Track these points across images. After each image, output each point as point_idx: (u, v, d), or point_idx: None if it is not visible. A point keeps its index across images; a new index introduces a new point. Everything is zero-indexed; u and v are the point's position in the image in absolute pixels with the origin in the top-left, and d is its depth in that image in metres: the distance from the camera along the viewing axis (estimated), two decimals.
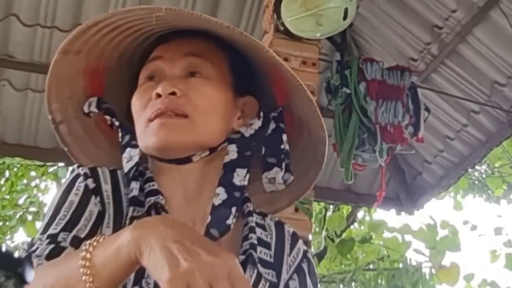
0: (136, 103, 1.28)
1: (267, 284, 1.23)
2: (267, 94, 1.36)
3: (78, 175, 1.24)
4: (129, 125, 1.31)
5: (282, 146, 1.28)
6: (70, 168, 1.30)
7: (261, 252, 1.26)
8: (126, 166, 1.27)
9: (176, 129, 1.21)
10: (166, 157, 1.25)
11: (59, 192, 1.24)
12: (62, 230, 1.16)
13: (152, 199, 1.22)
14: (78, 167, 1.27)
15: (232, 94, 1.30)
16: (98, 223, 1.19)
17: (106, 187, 1.24)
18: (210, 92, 1.26)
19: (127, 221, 1.19)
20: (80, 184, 1.23)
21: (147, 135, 1.23)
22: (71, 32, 1.28)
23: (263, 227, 1.32)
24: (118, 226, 1.19)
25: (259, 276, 1.22)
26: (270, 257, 1.28)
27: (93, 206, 1.20)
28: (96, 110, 1.34)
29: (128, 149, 1.29)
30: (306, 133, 1.36)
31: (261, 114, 1.31)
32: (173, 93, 1.22)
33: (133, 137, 1.29)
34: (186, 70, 1.27)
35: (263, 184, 1.28)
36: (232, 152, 1.26)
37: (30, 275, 0.77)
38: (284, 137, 1.29)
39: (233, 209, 1.22)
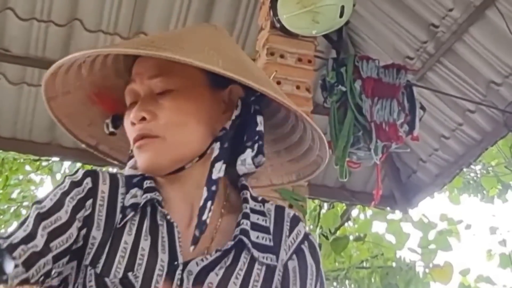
0: (126, 129, 1.33)
1: (263, 268, 1.25)
2: None
3: (77, 182, 1.27)
4: None
5: (257, 128, 1.30)
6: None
7: (258, 237, 1.28)
8: (129, 171, 1.32)
9: (152, 150, 1.26)
10: (158, 175, 1.30)
11: (56, 194, 1.24)
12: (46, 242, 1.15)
13: (149, 195, 1.25)
14: (77, 171, 1.30)
15: (211, 92, 1.32)
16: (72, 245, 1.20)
17: (104, 188, 1.27)
18: (179, 106, 1.28)
19: (120, 223, 1.23)
20: (75, 193, 1.24)
21: (137, 159, 1.30)
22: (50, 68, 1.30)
23: (261, 213, 1.33)
24: (109, 227, 1.23)
25: (253, 260, 1.24)
26: (270, 241, 1.29)
27: (75, 229, 1.20)
28: (114, 130, 1.39)
29: (134, 159, 1.33)
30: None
31: (239, 103, 1.32)
32: (143, 119, 1.27)
33: None
34: (153, 91, 1.30)
35: (236, 167, 1.31)
36: (216, 150, 1.28)
37: (10, 266, 0.76)
38: (259, 118, 1.31)
39: (208, 204, 1.24)
